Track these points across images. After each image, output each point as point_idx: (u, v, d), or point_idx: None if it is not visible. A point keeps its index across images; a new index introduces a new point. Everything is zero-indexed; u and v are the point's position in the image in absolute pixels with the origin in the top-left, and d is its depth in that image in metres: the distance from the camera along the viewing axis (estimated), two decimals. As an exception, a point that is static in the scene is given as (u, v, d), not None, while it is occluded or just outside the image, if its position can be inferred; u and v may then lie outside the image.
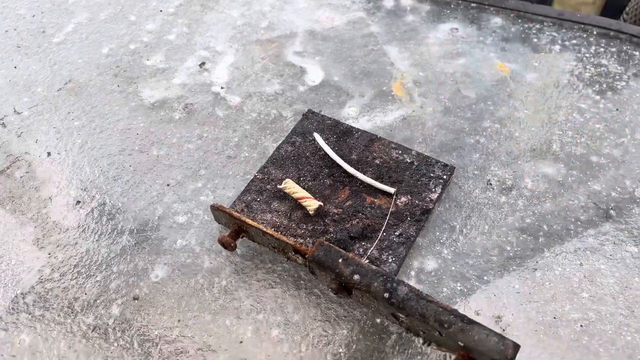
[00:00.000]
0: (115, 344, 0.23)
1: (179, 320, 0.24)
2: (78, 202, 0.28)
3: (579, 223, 0.26)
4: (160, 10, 0.39)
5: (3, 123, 0.32)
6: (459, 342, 0.21)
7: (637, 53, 0.34)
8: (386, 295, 0.22)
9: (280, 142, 0.30)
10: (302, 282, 0.25)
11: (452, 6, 0.37)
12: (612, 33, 0.35)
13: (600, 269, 0.25)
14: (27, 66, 0.35)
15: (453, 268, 0.25)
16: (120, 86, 0.34)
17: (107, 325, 0.24)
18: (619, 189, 0.27)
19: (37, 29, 0.38)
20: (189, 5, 0.39)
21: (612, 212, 0.27)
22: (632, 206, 0.27)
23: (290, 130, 0.31)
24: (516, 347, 0.21)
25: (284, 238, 0.24)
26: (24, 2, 0.40)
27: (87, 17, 0.39)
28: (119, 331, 0.24)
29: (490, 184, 0.28)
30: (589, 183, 0.28)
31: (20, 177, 0.30)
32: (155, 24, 0.38)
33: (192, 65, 0.35)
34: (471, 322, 0.21)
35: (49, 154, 0.30)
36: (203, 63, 0.35)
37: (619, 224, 0.26)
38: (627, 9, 0.58)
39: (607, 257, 0.25)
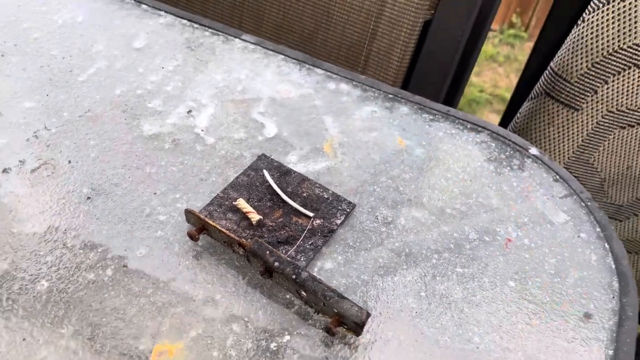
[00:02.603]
0: (107, 294, 0.34)
1: (152, 283, 0.35)
2: (88, 197, 0.40)
3: (429, 250, 0.40)
4: (162, 67, 0.52)
5: (36, 135, 0.43)
6: (335, 310, 0.34)
7: (493, 144, 0.49)
8: (293, 276, 0.34)
9: (239, 173, 0.43)
10: (240, 267, 0.37)
11: (375, 94, 0.52)
12: (479, 128, 0.50)
13: (436, 279, 0.38)
14: (57, 95, 0.47)
15: (342, 269, 0.38)
16: (127, 120, 0.46)
17: (103, 281, 0.35)
18: (459, 232, 0.41)
19: (66, 68, 0.50)
20: (184, 66, 0.52)
21: (451, 245, 0.40)
22: (465, 244, 0.40)
23: (247, 166, 0.43)
24: (368, 314, 0.33)
25: (232, 235, 0.36)
26: (57, 46, 0.52)
27: (106, 65, 0.51)
28: (110, 285, 0.35)
29: (377, 219, 0.41)
30: (441, 226, 0.41)
31: (47, 176, 0.41)
32: (157, 77, 0.51)
33: (182, 111, 0.48)
34: (343, 297, 0.34)
35: (69, 161, 0.42)
36: (190, 110, 0.48)
37: (454, 254, 0.40)
38: (515, 118, 0.75)
39: (441, 273, 0.38)
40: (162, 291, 0.35)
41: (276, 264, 0.35)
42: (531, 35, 1.96)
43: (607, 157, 0.76)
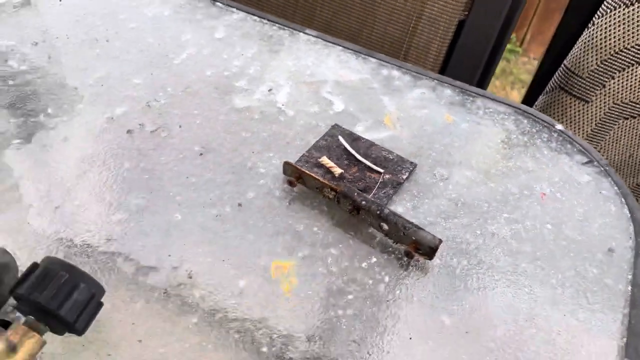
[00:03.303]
0: (229, 225, 0.43)
1: (262, 217, 0.44)
2: (201, 154, 0.48)
3: (480, 200, 0.48)
4: (242, 54, 0.60)
5: (149, 105, 0.52)
6: (412, 238, 0.42)
7: (525, 121, 0.58)
8: (378, 212, 0.43)
9: (318, 138, 0.51)
10: (327, 210, 0.45)
11: (422, 80, 0.61)
12: (513, 108, 0.59)
13: (488, 222, 0.46)
14: (159, 74, 0.56)
15: (411, 213, 0.46)
16: (219, 95, 0.55)
17: (225, 214, 0.43)
18: (503, 187, 0.50)
19: (162, 53, 0.59)
20: (260, 54, 0.61)
21: (498, 197, 0.49)
22: (509, 196, 0.49)
23: (324, 133, 0.52)
24: (440, 241, 0.42)
25: (326, 182, 0.45)
26: (151, 35, 0.61)
27: (195, 51, 0.60)
28: (231, 217, 0.43)
29: (435, 176, 0.50)
30: (488, 182, 0.50)
31: (164, 136, 0.49)
32: (239, 62, 0.59)
33: (264, 89, 0.56)
34: (419, 227, 0.42)
35: (180, 126, 0.50)
36: (271, 89, 0.57)
37: (501, 203, 0.48)
38: (539, 100, 0.85)
39: (492, 217, 0.47)
40: (272, 223, 0.43)
41: (363, 202, 0.43)
42: (526, 50, 2.05)
43: (612, 145, 0.85)
